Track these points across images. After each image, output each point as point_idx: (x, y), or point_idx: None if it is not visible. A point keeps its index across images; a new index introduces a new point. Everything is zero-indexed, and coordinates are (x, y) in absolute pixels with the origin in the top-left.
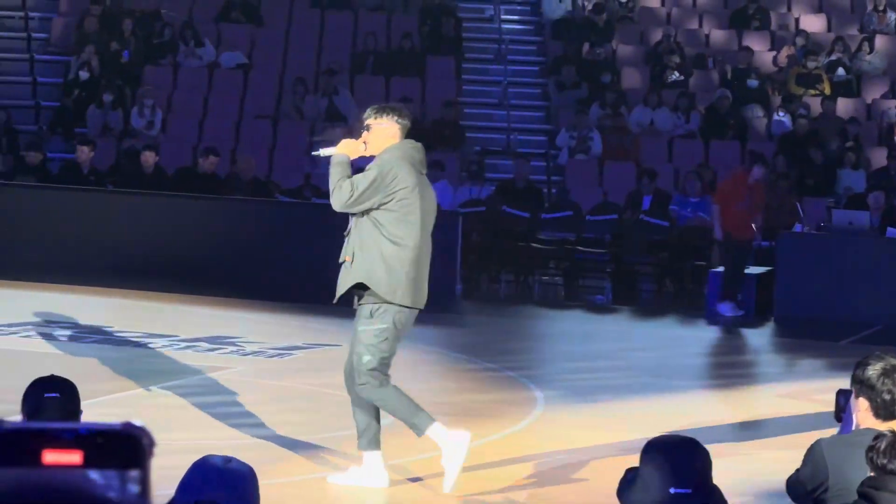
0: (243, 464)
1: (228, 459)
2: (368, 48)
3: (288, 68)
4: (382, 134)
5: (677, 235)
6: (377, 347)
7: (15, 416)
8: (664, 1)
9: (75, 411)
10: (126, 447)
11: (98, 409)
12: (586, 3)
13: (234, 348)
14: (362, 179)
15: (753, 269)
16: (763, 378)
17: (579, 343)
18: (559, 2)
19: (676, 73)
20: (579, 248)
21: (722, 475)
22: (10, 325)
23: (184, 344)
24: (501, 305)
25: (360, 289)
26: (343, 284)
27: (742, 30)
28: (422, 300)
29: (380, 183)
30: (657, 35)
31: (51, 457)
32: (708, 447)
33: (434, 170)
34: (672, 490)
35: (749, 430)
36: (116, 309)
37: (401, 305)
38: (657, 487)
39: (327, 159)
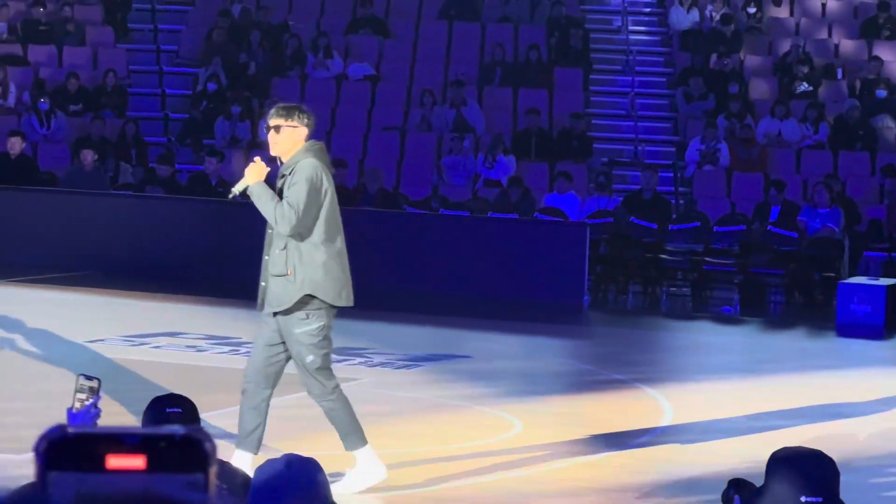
0: (303, 459)
1: (289, 462)
2: (496, 59)
3: (416, 80)
4: (292, 135)
5: (806, 246)
6: (318, 346)
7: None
8: (793, 11)
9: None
10: (190, 452)
11: (224, 421)
12: (714, 14)
13: (362, 359)
14: (298, 194)
15: (885, 281)
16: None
17: (707, 355)
18: (686, 13)
19: (805, 84)
20: (707, 259)
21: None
22: (141, 336)
23: None
24: (629, 316)
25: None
26: (287, 298)
27: (872, 40)
28: (352, 298)
29: (312, 191)
30: (785, 45)
31: (114, 461)
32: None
33: (562, 181)
34: (803, 499)
35: (884, 441)
36: (246, 319)
37: (337, 307)
38: (787, 498)
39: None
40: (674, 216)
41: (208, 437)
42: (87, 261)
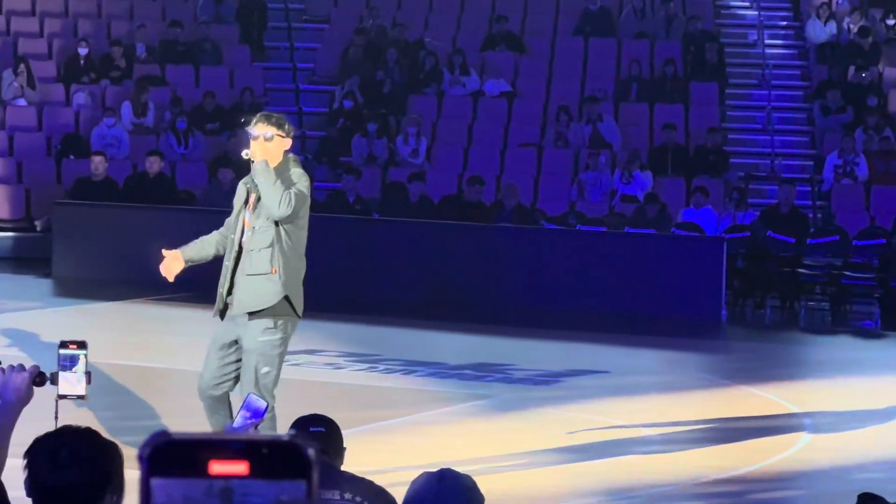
0: (457, 474)
1: (442, 476)
2: (632, 75)
3: (552, 96)
4: (282, 146)
5: None
6: (276, 358)
7: None
8: None
9: (339, 447)
10: (292, 459)
11: (366, 437)
12: (851, 26)
13: (502, 376)
14: (301, 191)
15: None
16: None
17: (847, 369)
18: (823, 25)
19: None
20: (846, 273)
21: None
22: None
23: (450, 372)
24: (767, 331)
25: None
26: (267, 298)
27: None
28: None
29: (305, 195)
30: None
31: (217, 467)
32: None
33: (699, 196)
34: None
35: None
36: (383, 337)
37: (298, 316)
38: None
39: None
40: (811, 230)
41: (311, 444)
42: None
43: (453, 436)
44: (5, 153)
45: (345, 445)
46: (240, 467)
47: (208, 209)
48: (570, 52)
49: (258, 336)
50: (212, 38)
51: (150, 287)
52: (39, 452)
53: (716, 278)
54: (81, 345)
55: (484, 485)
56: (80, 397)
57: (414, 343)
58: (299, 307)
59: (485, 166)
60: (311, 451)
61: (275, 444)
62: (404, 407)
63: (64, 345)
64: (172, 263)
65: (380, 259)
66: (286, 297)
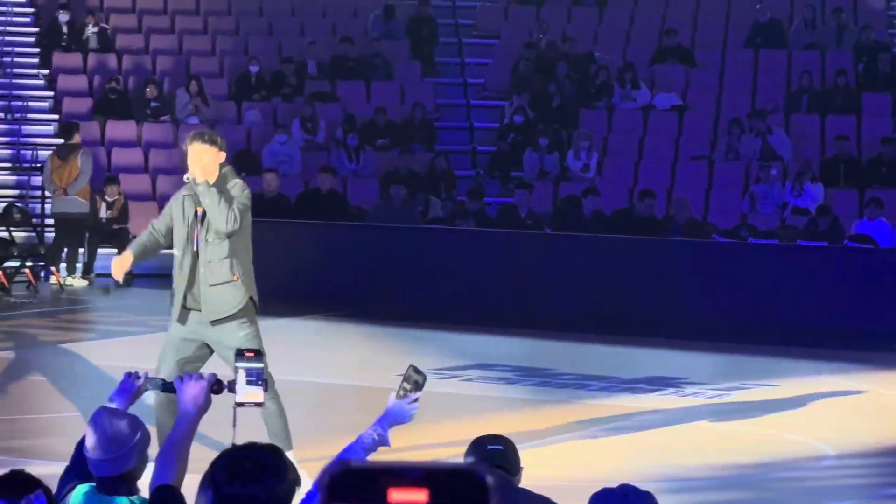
0: (640, 492)
1: (625, 493)
2: (803, 86)
3: (722, 108)
4: (217, 161)
5: None
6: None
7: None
8: None
9: (516, 465)
10: (473, 488)
11: (541, 452)
12: None
13: (674, 389)
14: (241, 202)
15: None
16: None
17: None
18: None
19: None
20: None
21: None
22: (451, 369)
23: (623, 385)
24: None
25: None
26: (234, 304)
27: None
28: None
29: (247, 205)
30: None
31: (397, 495)
32: None
33: (872, 208)
34: None
35: None
36: (555, 352)
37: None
38: None
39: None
40: None
41: (491, 472)
42: (397, 294)
43: (629, 450)
44: (178, 171)
45: (521, 465)
46: (419, 495)
47: (380, 225)
48: (741, 64)
49: (238, 333)
50: (382, 53)
51: (323, 303)
52: (223, 464)
53: (890, 290)
54: (258, 353)
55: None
56: (258, 405)
57: (586, 357)
58: (257, 303)
59: (656, 180)
60: (490, 479)
61: (456, 473)
62: (578, 422)
63: (241, 353)
64: (124, 262)
65: (551, 273)
66: (250, 298)
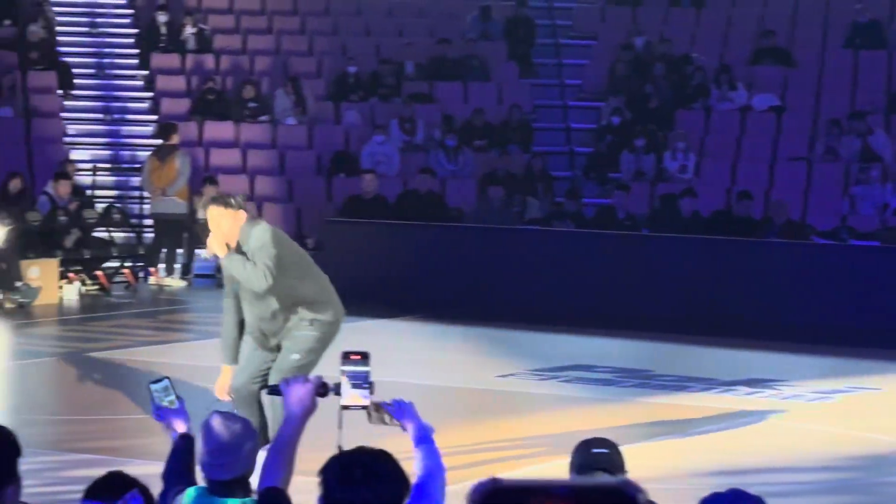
0: (749, 496)
1: (737, 497)
2: None
3: (821, 109)
4: (237, 221)
5: None
6: (307, 353)
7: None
8: None
9: (621, 468)
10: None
11: (643, 453)
12: None
13: (773, 391)
14: (266, 253)
15: None
16: None
17: None
18: None
19: None
20: None
21: None
22: (551, 370)
23: (722, 387)
24: None
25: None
26: (309, 339)
27: None
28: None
29: (272, 252)
30: None
31: None
32: None
33: None
34: None
35: None
36: (653, 353)
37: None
38: None
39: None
40: None
41: (639, 489)
42: (495, 295)
43: (730, 452)
44: (276, 172)
45: (626, 470)
46: None
47: (478, 226)
48: (840, 65)
49: (296, 331)
50: (480, 54)
51: (420, 304)
52: (334, 469)
53: None
54: (365, 356)
55: None
56: (364, 407)
57: (685, 358)
58: (338, 317)
59: (753, 181)
60: (640, 497)
61: (604, 490)
62: (677, 422)
63: (347, 356)
64: (226, 382)
65: (648, 275)
66: (321, 323)
